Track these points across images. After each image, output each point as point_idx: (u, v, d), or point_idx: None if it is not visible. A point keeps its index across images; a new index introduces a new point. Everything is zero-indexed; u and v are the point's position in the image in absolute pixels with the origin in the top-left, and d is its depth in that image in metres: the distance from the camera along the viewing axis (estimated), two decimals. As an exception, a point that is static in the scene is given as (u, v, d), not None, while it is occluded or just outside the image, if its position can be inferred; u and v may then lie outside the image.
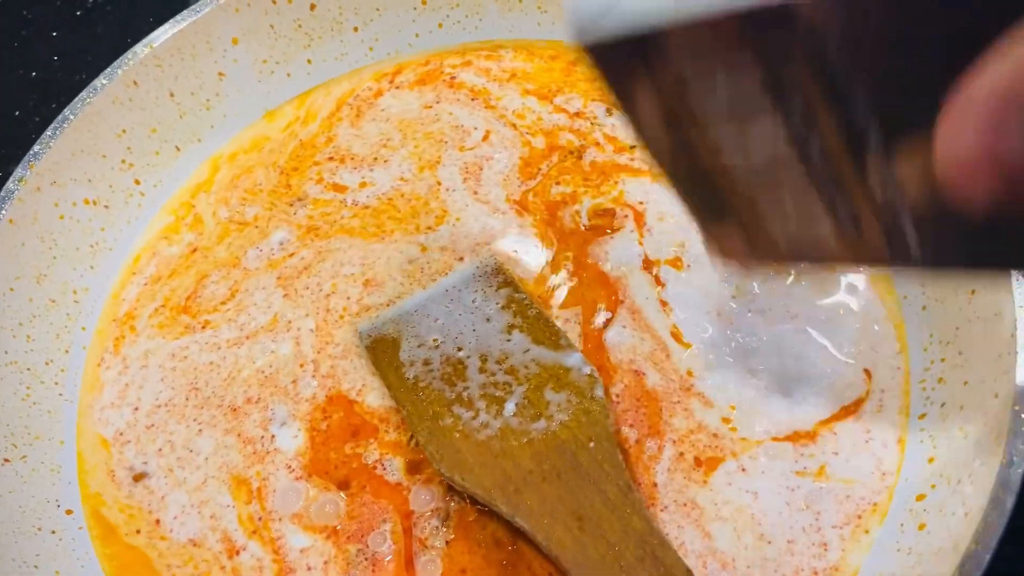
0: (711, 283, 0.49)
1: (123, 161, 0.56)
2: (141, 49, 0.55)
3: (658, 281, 0.50)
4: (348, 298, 0.52)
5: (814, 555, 0.41)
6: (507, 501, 0.41)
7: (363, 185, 0.56)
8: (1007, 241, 0.26)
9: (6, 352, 0.49)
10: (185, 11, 0.56)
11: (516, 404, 0.44)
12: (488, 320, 0.47)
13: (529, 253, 0.52)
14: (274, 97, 0.61)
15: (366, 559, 0.44)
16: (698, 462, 0.44)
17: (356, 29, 0.61)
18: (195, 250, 0.55)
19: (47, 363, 0.51)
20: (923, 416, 0.44)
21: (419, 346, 0.47)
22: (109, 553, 0.46)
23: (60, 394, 0.51)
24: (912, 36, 0.23)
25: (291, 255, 0.54)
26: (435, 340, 0.47)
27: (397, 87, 0.61)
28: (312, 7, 0.59)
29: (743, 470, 0.44)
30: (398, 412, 0.47)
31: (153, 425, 0.49)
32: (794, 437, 0.44)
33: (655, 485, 0.44)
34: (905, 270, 0.45)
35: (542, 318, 0.47)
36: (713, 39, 0.26)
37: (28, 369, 0.50)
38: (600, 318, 0.49)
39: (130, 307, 0.54)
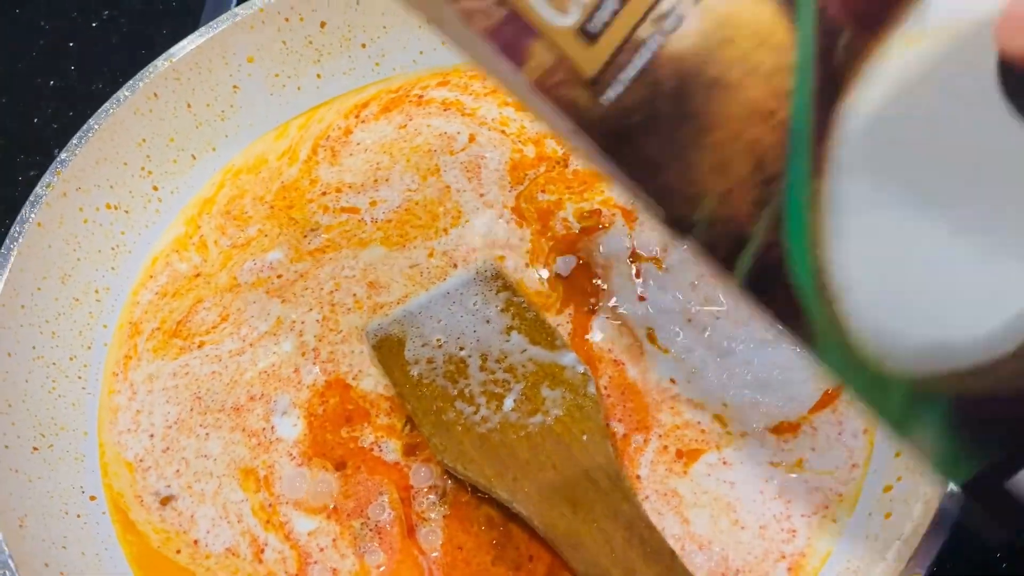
0: (686, 287, 0.52)
1: (143, 168, 0.59)
2: (161, 63, 0.58)
3: (639, 274, 0.53)
4: (354, 295, 0.54)
5: (783, 540, 0.45)
6: (506, 489, 0.45)
7: (374, 203, 0.58)
8: None
9: (34, 348, 0.52)
10: (203, 27, 0.60)
11: (514, 400, 0.47)
12: (488, 322, 0.50)
13: (524, 258, 0.55)
14: (285, 110, 0.63)
15: (370, 530, 0.47)
16: (679, 454, 0.47)
17: (364, 46, 0.64)
18: (198, 275, 0.57)
19: (71, 359, 0.54)
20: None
21: (423, 345, 0.50)
22: (129, 539, 0.49)
23: (83, 388, 0.54)
24: None
25: (280, 276, 0.56)
26: (438, 340, 0.50)
27: (363, 121, 0.62)
28: (323, 25, 0.62)
29: (724, 463, 0.47)
30: (393, 399, 0.50)
31: (168, 448, 0.51)
32: (777, 430, 0.47)
33: (638, 477, 0.47)
34: None
35: (539, 320, 0.50)
36: None
37: (54, 364, 0.53)
38: (585, 308, 0.52)
39: (142, 312, 0.56)
